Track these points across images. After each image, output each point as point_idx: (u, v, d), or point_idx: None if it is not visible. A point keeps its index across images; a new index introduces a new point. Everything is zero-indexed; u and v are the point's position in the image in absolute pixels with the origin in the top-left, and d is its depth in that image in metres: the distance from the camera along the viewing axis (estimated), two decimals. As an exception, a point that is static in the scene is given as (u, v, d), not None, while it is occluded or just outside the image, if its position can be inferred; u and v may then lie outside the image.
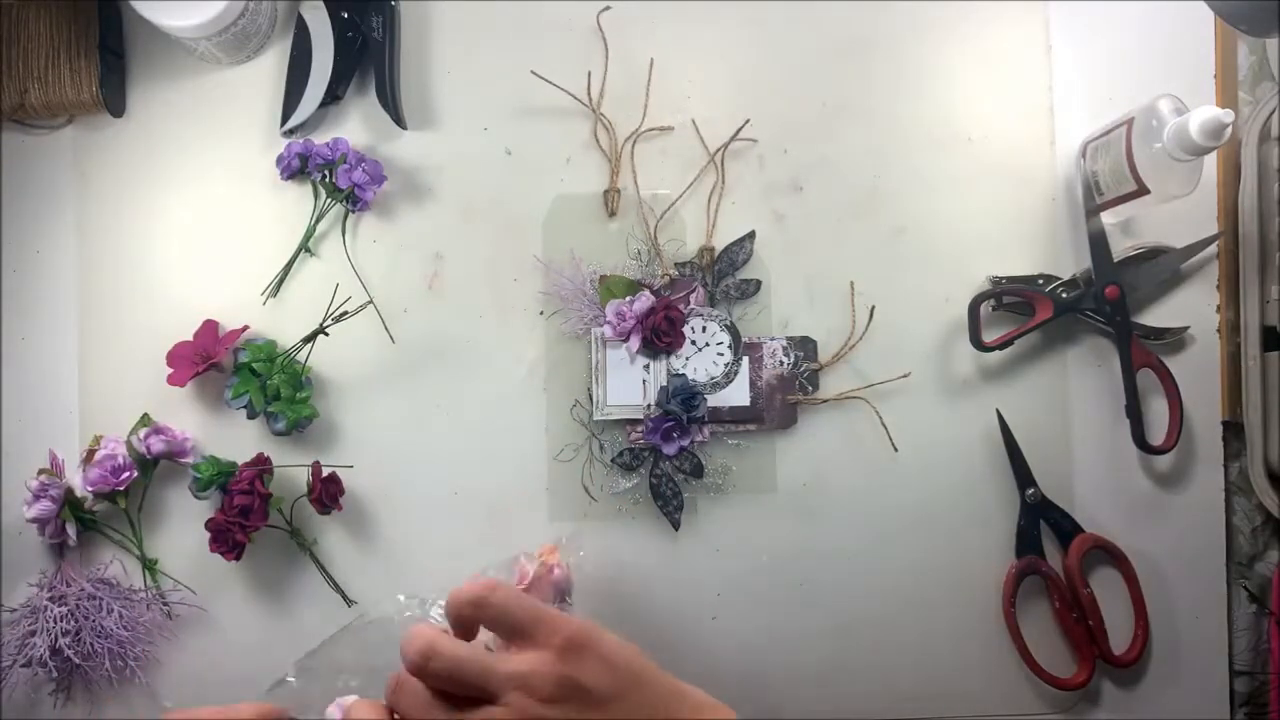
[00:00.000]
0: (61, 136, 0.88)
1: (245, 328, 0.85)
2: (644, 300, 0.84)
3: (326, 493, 0.82)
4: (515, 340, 0.87)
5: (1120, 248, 0.87)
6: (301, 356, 0.85)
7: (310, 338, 0.84)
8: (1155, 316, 0.88)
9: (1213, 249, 0.87)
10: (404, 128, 0.87)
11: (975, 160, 0.88)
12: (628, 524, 0.87)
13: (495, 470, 0.86)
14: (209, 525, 0.82)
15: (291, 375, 0.84)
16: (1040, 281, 0.86)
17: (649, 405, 0.85)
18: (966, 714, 0.87)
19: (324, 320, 0.84)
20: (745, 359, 0.86)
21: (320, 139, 0.86)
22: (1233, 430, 0.88)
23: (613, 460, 0.86)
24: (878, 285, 0.87)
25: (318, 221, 0.86)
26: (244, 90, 0.88)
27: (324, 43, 0.86)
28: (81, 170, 0.88)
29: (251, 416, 0.83)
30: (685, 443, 0.85)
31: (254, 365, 0.83)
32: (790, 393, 0.86)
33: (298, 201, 0.87)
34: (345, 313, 0.83)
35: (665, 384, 0.85)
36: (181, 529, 0.86)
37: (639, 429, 0.85)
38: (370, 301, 0.85)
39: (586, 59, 0.87)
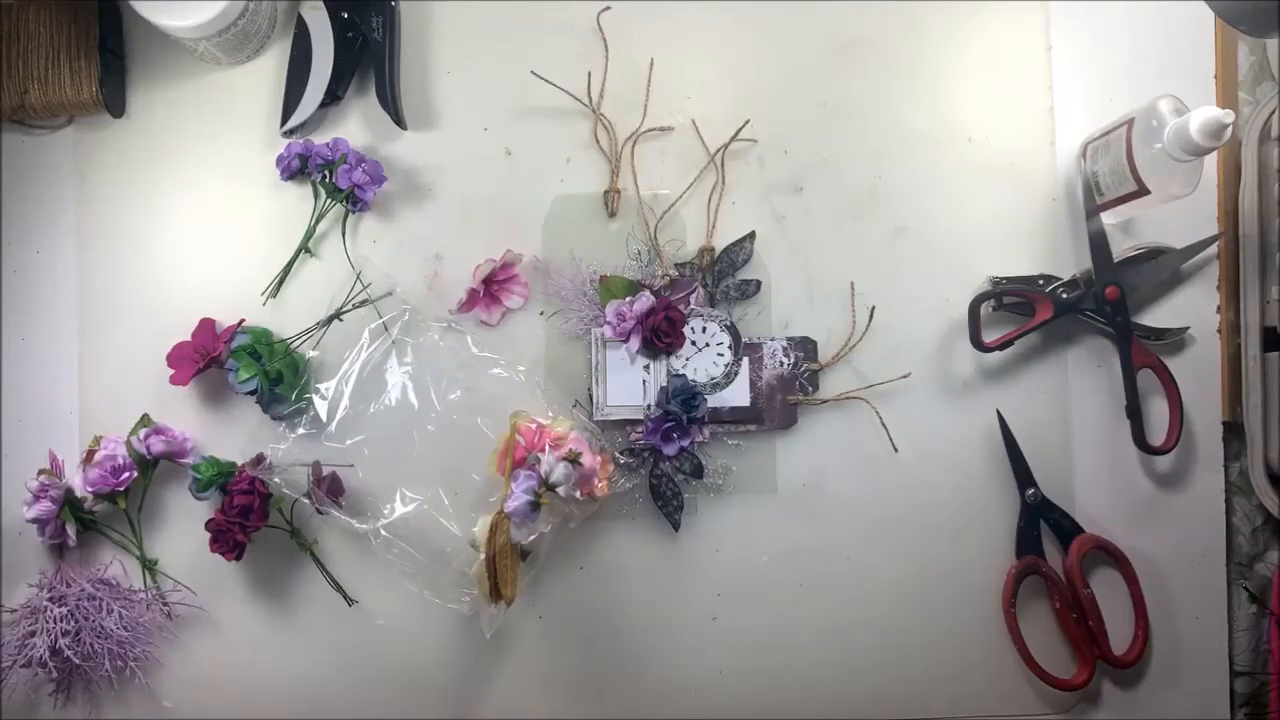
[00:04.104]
0: (61, 136, 0.88)
1: (241, 321, 0.85)
2: (644, 301, 0.84)
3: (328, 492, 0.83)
4: (515, 340, 0.87)
5: (1120, 248, 0.87)
6: (311, 343, 0.85)
7: (325, 322, 0.85)
8: (1155, 317, 0.88)
9: (1213, 249, 0.87)
10: (404, 128, 0.87)
11: (975, 160, 0.88)
12: (628, 524, 0.87)
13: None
14: (209, 525, 0.82)
15: (291, 362, 0.84)
16: (1040, 282, 0.86)
17: (649, 406, 0.85)
18: (966, 714, 0.87)
19: (343, 305, 0.85)
20: (745, 359, 0.86)
21: (320, 139, 0.86)
22: (1233, 430, 0.88)
23: (613, 460, 0.86)
24: (878, 285, 0.87)
25: (318, 222, 0.86)
26: (244, 90, 0.88)
27: (324, 43, 0.86)
28: (81, 170, 0.88)
29: (260, 400, 0.83)
30: (685, 443, 0.85)
31: (254, 348, 0.83)
32: (790, 393, 0.86)
33: (298, 201, 0.87)
34: (367, 299, 0.84)
35: (665, 384, 0.85)
36: (181, 529, 0.86)
37: (639, 429, 0.85)
38: (391, 292, 0.86)
39: (586, 59, 0.87)
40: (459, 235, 0.87)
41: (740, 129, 0.86)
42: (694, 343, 0.86)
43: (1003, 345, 0.85)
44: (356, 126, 0.88)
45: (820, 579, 0.87)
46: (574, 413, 0.86)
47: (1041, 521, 0.87)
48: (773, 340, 0.87)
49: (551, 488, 0.79)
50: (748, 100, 0.88)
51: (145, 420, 0.85)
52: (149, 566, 0.86)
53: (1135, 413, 0.85)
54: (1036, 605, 0.87)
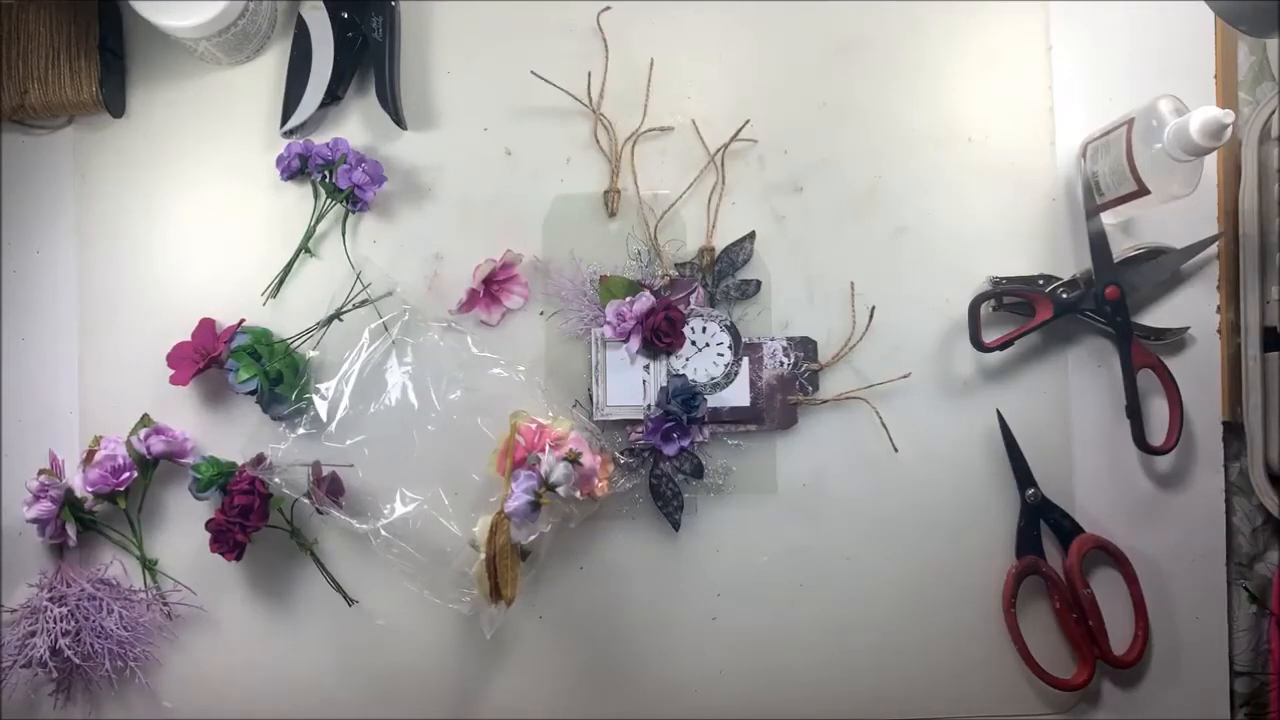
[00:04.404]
0: (61, 136, 0.88)
1: (241, 321, 0.85)
2: (644, 301, 0.84)
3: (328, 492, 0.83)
4: (515, 340, 0.87)
5: (1120, 248, 0.87)
6: (311, 343, 0.85)
7: (325, 322, 0.85)
8: (1155, 317, 0.88)
9: (1213, 249, 0.87)
10: (404, 128, 0.87)
11: (975, 160, 0.88)
12: (628, 524, 0.87)
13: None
14: (209, 525, 0.82)
15: (291, 362, 0.84)
16: (1040, 282, 0.86)
17: (649, 406, 0.85)
18: (966, 714, 0.87)
19: (343, 305, 0.85)
20: (745, 359, 0.86)
21: (320, 139, 0.86)
22: (1233, 430, 0.88)
23: (613, 460, 0.86)
24: (878, 285, 0.87)
25: (318, 222, 0.86)
26: (244, 90, 0.88)
27: (324, 43, 0.86)
28: (81, 170, 0.88)
29: (260, 400, 0.83)
30: (685, 443, 0.85)
31: (254, 348, 0.83)
32: (790, 393, 0.86)
33: (298, 201, 0.87)
34: (367, 299, 0.84)
35: (665, 384, 0.85)
36: (181, 529, 0.86)
37: (639, 429, 0.85)
38: (391, 292, 0.86)
39: (586, 59, 0.87)
40: (459, 235, 0.87)
41: (740, 129, 0.86)
42: (694, 343, 0.86)
43: (1003, 345, 0.85)
44: (356, 126, 0.88)
45: (820, 579, 0.87)
46: (574, 413, 0.86)
47: (1041, 521, 0.87)
48: (773, 340, 0.87)
49: (551, 488, 0.79)
50: (748, 100, 0.88)
51: (145, 420, 0.85)
52: (149, 566, 0.86)
53: (1135, 413, 0.85)
54: (1036, 605, 0.87)
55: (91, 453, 0.84)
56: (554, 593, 0.87)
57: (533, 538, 0.81)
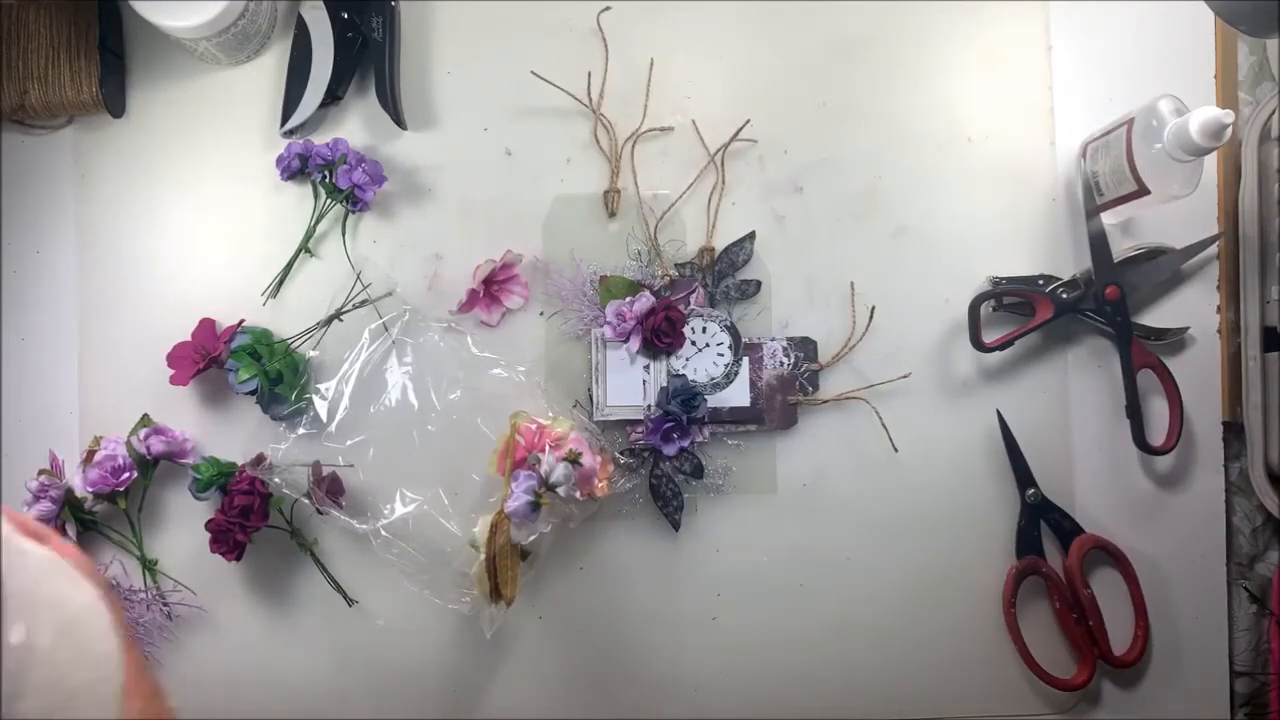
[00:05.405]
0: (61, 136, 0.88)
1: (241, 321, 0.85)
2: (644, 301, 0.84)
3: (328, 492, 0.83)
4: (515, 340, 0.87)
5: (1120, 248, 0.87)
6: (311, 343, 0.86)
7: (325, 322, 0.85)
8: (1155, 317, 0.88)
9: (1213, 249, 0.87)
10: (404, 128, 0.87)
11: (975, 160, 0.88)
12: (628, 524, 0.87)
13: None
14: (209, 526, 0.82)
15: (291, 362, 0.84)
16: (1040, 282, 0.86)
17: (649, 406, 0.85)
18: (966, 714, 0.87)
19: (343, 305, 0.85)
20: (745, 359, 0.86)
21: (320, 139, 0.86)
22: (1233, 430, 0.88)
23: (613, 460, 0.86)
24: (878, 285, 0.87)
25: (318, 222, 0.86)
26: (244, 90, 0.88)
27: (324, 43, 0.86)
28: (81, 170, 0.88)
29: (260, 400, 0.83)
30: (685, 443, 0.85)
31: (254, 348, 0.83)
32: (790, 393, 0.86)
33: (298, 201, 0.87)
34: (367, 299, 0.84)
35: (665, 384, 0.85)
36: (181, 529, 0.86)
37: (639, 429, 0.85)
38: (391, 292, 0.86)
39: (586, 59, 0.87)
40: (459, 235, 0.87)
41: (740, 129, 0.86)
42: (694, 343, 0.86)
43: (1003, 345, 0.85)
44: (356, 126, 0.88)
45: (820, 579, 0.87)
46: (574, 413, 0.86)
47: (1041, 521, 0.87)
48: (773, 340, 0.87)
49: (551, 488, 0.79)
50: (748, 100, 0.88)
51: (145, 420, 0.85)
52: (149, 566, 0.86)
53: (1135, 413, 0.85)
54: (1036, 605, 0.87)
55: (91, 453, 0.84)
56: (554, 593, 0.87)
57: (533, 538, 0.81)
